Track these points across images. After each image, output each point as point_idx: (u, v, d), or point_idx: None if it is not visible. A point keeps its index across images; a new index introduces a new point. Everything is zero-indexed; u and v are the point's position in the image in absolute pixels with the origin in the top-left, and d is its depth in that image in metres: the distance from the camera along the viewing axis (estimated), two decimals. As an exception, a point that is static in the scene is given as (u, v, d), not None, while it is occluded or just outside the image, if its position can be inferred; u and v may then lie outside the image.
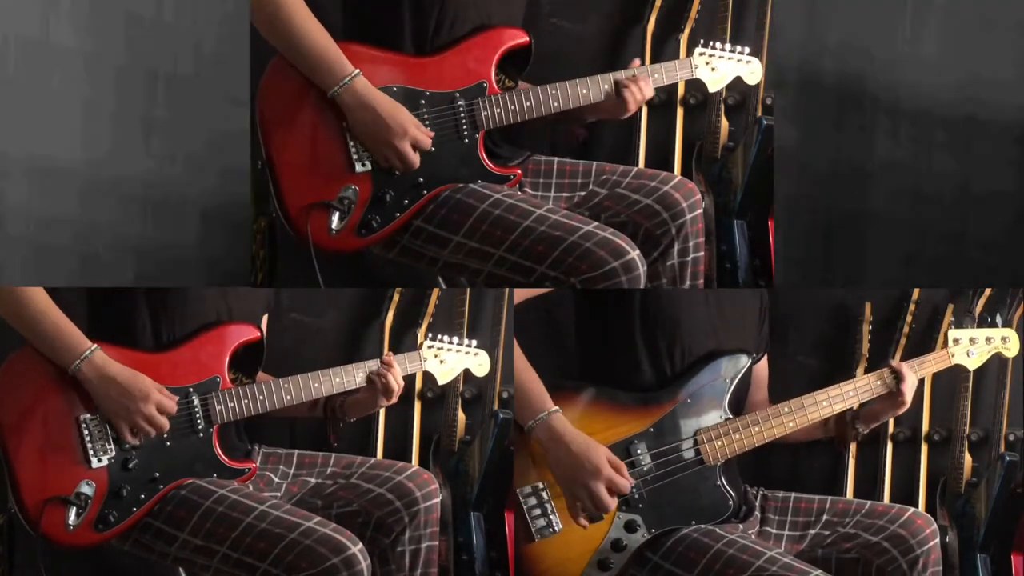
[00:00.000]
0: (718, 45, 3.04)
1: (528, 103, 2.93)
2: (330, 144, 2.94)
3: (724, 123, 3.38)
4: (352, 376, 2.97)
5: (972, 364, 3.02)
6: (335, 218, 2.95)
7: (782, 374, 3.25)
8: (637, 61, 3.01)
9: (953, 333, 3.02)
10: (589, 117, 3.04)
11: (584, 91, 2.95)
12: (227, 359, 2.90)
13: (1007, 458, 3.27)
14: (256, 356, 2.95)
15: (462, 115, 2.96)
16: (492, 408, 3.34)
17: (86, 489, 2.81)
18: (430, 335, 3.10)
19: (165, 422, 2.84)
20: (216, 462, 2.89)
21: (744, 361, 2.94)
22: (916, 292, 3.32)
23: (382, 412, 3.34)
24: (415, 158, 2.93)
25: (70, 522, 2.80)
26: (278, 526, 2.81)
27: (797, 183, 3.32)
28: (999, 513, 3.25)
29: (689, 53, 3.24)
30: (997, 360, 3.16)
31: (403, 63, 2.95)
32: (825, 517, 2.96)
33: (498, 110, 2.96)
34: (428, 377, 3.14)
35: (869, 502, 2.98)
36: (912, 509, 2.95)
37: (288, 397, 2.93)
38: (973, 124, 3.49)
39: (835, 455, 3.34)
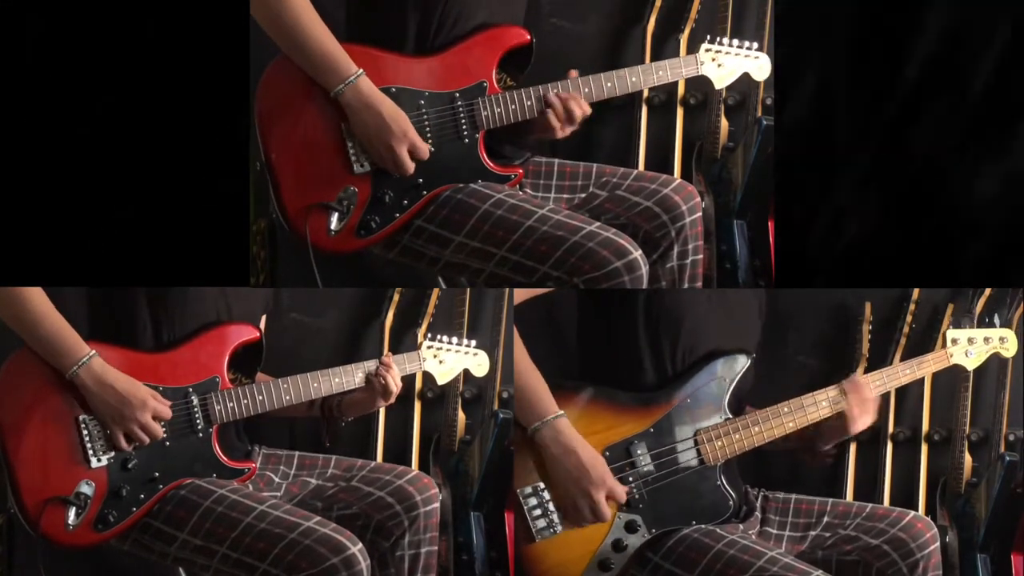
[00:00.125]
0: (724, 41, 3.03)
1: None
2: (329, 145, 2.94)
3: (724, 123, 3.38)
4: (351, 376, 2.97)
5: (971, 364, 3.02)
6: (334, 219, 2.95)
7: (782, 374, 3.26)
8: (574, 72, 3.00)
9: (951, 333, 3.02)
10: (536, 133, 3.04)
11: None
12: (226, 359, 2.90)
13: (1007, 458, 3.27)
14: (255, 356, 2.95)
15: (462, 115, 2.96)
16: (492, 408, 3.34)
17: (86, 489, 2.80)
18: (429, 335, 3.10)
19: (160, 430, 2.84)
20: (215, 462, 2.89)
21: (744, 361, 2.94)
22: (916, 292, 3.33)
23: (382, 412, 3.34)
24: (411, 164, 2.93)
25: (70, 522, 2.80)
26: (278, 526, 2.81)
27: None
28: (999, 513, 3.26)
29: (690, 53, 3.24)
30: (997, 360, 3.17)
31: (402, 63, 2.94)
32: (826, 519, 2.96)
33: (498, 110, 2.96)
34: (428, 377, 3.13)
35: (870, 505, 2.98)
36: (913, 513, 2.95)
37: (287, 397, 2.93)
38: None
39: (835, 455, 3.35)
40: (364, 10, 2.97)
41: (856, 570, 2.90)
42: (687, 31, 3.37)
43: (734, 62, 3.03)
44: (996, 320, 3.06)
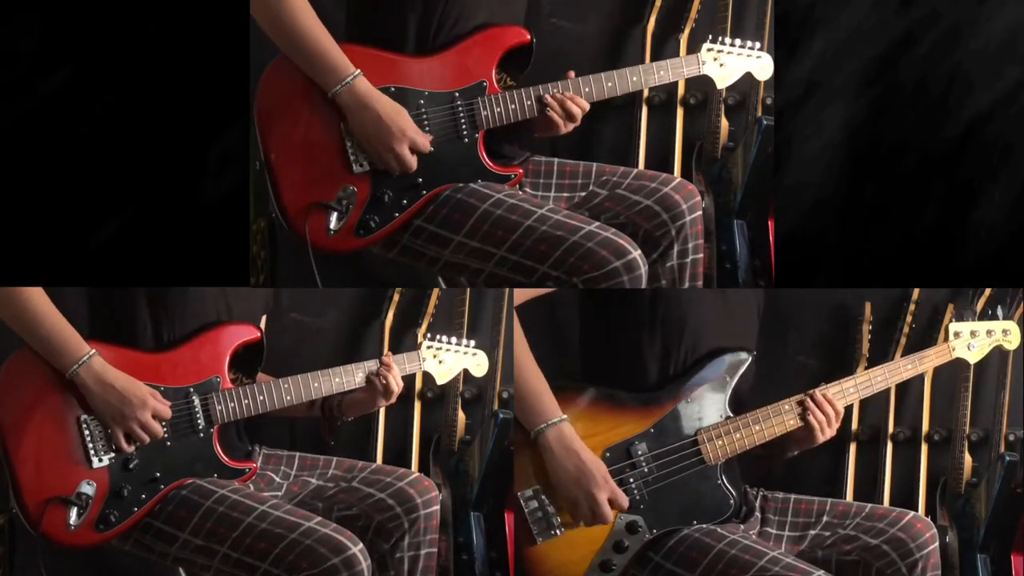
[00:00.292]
0: (727, 41, 3.03)
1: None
2: (328, 145, 2.94)
3: (724, 123, 3.38)
4: (352, 376, 2.97)
5: (973, 357, 3.01)
6: (333, 218, 2.95)
7: (782, 374, 3.26)
8: (572, 73, 3.00)
9: (954, 326, 3.00)
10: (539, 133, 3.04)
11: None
12: (227, 359, 2.90)
13: (1007, 458, 3.27)
14: (256, 356, 2.95)
15: (461, 115, 2.96)
16: (492, 408, 3.34)
17: (87, 489, 2.80)
18: (429, 335, 3.10)
19: (160, 429, 2.84)
20: (216, 462, 2.89)
21: (744, 359, 2.94)
22: (916, 292, 3.33)
23: (382, 412, 3.34)
24: (412, 161, 2.93)
25: (71, 522, 2.80)
26: (278, 526, 2.81)
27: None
28: (999, 513, 3.26)
29: (690, 52, 3.24)
30: (998, 359, 3.17)
31: (402, 63, 2.94)
32: (825, 518, 2.96)
33: (498, 109, 2.96)
34: (427, 377, 3.13)
35: (869, 505, 2.98)
36: (912, 513, 2.95)
37: (288, 397, 2.93)
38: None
39: (835, 455, 3.35)
40: (364, 10, 2.97)
41: (855, 570, 2.91)
42: (687, 31, 3.37)
43: (736, 62, 3.03)
44: (999, 313, 3.04)
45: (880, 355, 3.32)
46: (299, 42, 2.89)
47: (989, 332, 3.00)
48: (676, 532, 2.87)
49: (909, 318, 3.33)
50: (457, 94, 2.96)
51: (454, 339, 3.09)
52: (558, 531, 2.87)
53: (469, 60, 2.96)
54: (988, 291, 3.26)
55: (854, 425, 3.37)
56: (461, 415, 3.37)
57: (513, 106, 2.96)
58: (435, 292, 3.34)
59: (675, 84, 3.35)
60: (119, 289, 2.92)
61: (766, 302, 3.06)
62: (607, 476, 2.86)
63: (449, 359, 3.09)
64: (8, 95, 3.13)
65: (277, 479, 2.97)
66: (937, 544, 2.90)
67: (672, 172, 3.37)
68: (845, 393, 2.94)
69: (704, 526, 2.88)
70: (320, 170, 2.94)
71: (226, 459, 2.89)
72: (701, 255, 3.02)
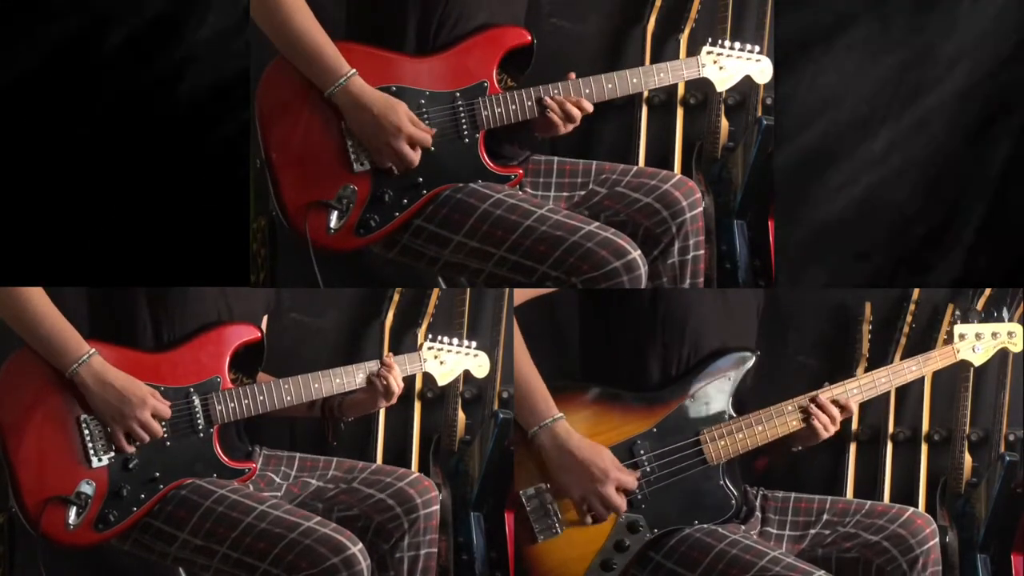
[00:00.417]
0: (727, 44, 3.03)
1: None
2: (328, 143, 2.94)
3: (724, 123, 3.38)
4: (352, 377, 2.97)
5: (977, 360, 3.01)
6: (333, 217, 2.95)
7: (782, 374, 3.25)
8: (572, 74, 3.00)
9: (959, 328, 3.00)
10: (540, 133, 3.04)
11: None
12: (227, 359, 2.90)
13: (1007, 458, 3.27)
14: (256, 356, 2.95)
15: (462, 115, 2.96)
16: (492, 408, 3.34)
17: (86, 489, 2.80)
18: (430, 336, 3.09)
19: (160, 429, 2.83)
20: (216, 462, 2.89)
21: (748, 359, 2.94)
22: (916, 292, 3.33)
23: (382, 412, 3.34)
24: (414, 157, 2.93)
25: (70, 522, 2.80)
26: (278, 526, 2.81)
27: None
28: (999, 513, 3.26)
29: (690, 53, 3.24)
30: (998, 359, 3.16)
31: (403, 63, 2.94)
32: (825, 517, 2.96)
33: (499, 110, 2.96)
34: (428, 378, 3.13)
35: (869, 502, 2.98)
36: (912, 509, 2.95)
37: (288, 397, 2.93)
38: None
39: (835, 455, 3.35)
40: (365, 10, 2.98)
41: (856, 567, 2.91)
42: (687, 31, 3.37)
43: (736, 65, 3.03)
44: (1004, 315, 3.03)
45: (880, 355, 3.32)
46: (296, 42, 2.90)
47: (994, 334, 3.00)
48: (677, 532, 2.87)
49: (909, 318, 3.33)
50: (458, 94, 2.96)
51: (455, 340, 3.09)
52: (559, 529, 2.87)
53: (470, 60, 2.96)
54: (988, 291, 3.26)
55: (854, 425, 3.37)
56: (461, 415, 3.37)
57: (513, 107, 2.96)
58: (435, 292, 3.34)
59: (675, 84, 3.35)
60: (119, 289, 2.92)
61: (766, 302, 3.06)
62: (608, 467, 2.85)
63: (450, 360, 3.09)
64: (8, 95, 3.13)
65: (277, 480, 2.97)
66: (937, 540, 2.90)
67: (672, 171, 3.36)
68: (848, 394, 2.94)
69: (705, 526, 2.88)
70: (320, 169, 2.95)
71: (226, 459, 2.89)
72: (702, 252, 3.02)
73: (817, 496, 3.00)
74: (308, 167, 2.94)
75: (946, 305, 3.31)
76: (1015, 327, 3.01)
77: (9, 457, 2.79)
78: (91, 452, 2.80)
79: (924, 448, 3.35)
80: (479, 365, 3.11)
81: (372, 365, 2.98)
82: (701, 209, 3.01)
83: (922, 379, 3.34)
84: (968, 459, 3.33)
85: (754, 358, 2.94)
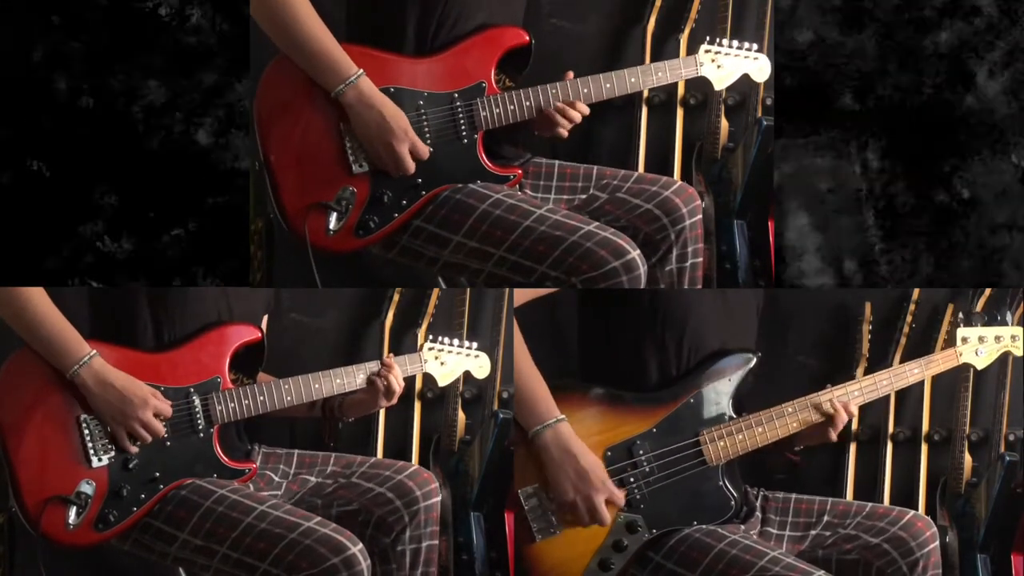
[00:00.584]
0: (724, 42, 3.03)
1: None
2: (327, 145, 2.94)
3: (724, 123, 3.38)
4: (352, 377, 2.97)
5: (980, 363, 3.01)
6: (332, 219, 2.95)
7: (782, 374, 3.25)
8: (571, 74, 3.00)
9: (962, 331, 3.00)
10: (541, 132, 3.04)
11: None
12: (228, 359, 2.90)
13: (1007, 458, 3.27)
14: (257, 356, 2.95)
15: (460, 115, 2.96)
16: (492, 408, 3.33)
17: (86, 488, 2.80)
18: (430, 336, 3.10)
19: (161, 428, 2.84)
20: (216, 462, 2.89)
21: (749, 360, 2.94)
22: (916, 292, 3.32)
23: (382, 412, 3.33)
24: (411, 164, 2.93)
25: (70, 521, 2.80)
26: (278, 526, 2.81)
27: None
28: (999, 513, 3.25)
29: (689, 53, 3.23)
30: (999, 359, 3.16)
31: (402, 64, 2.95)
32: (826, 518, 2.96)
33: (497, 110, 2.96)
34: (428, 378, 3.13)
35: (870, 504, 2.98)
36: (912, 512, 2.95)
37: (288, 398, 2.93)
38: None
39: (835, 455, 3.34)
40: (364, 10, 2.98)
41: (856, 569, 2.91)
42: (687, 31, 3.37)
43: (734, 63, 3.04)
44: (1007, 318, 3.03)
45: (880, 355, 3.32)
46: (301, 41, 2.89)
47: (998, 338, 3.00)
48: (676, 532, 2.87)
49: (909, 318, 3.33)
50: (456, 95, 2.96)
51: (456, 340, 3.09)
52: (557, 529, 2.87)
53: (468, 61, 2.96)
54: (988, 291, 3.26)
55: (854, 425, 3.37)
56: (461, 415, 3.37)
57: (512, 107, 2.97)
58: (435, 292, 3.34)
59: (675, 84, 3.35)
60: (119, 289, 2.92)
61: (766, 302, 3.06)
62: (605, 478, 2.86)
63: (451, 360, 3.09)
64: (8, 96, 3.13)
65: (276, 478, 2.97)
66: (937, 543, 2.90)
67: (672, 173, 3.36)
68: (849, 396, 2.94)
69: (704, 526, 2.88)
70: (319, 170, 2.95)
71: (226, 459, 2.89)
72: (700, 259, 3.02)
73: (818, 497, 3.00)
74: (307, 169, 2.94)
75: (946, 305, 3.31)
76: (1017, 330, 3.01)
77: (9, 457, 2.79)
78: (91, 452, 2.81)
79: (924, 448, 3.35)
80: (480, 366, 3.12)
81: (372, 365, 2.98)
82: (700, 216, 3.01)
83: (922, 380, 3.34)
84: (968, 459, 3.32)
85: (755, 360, 2.94)
